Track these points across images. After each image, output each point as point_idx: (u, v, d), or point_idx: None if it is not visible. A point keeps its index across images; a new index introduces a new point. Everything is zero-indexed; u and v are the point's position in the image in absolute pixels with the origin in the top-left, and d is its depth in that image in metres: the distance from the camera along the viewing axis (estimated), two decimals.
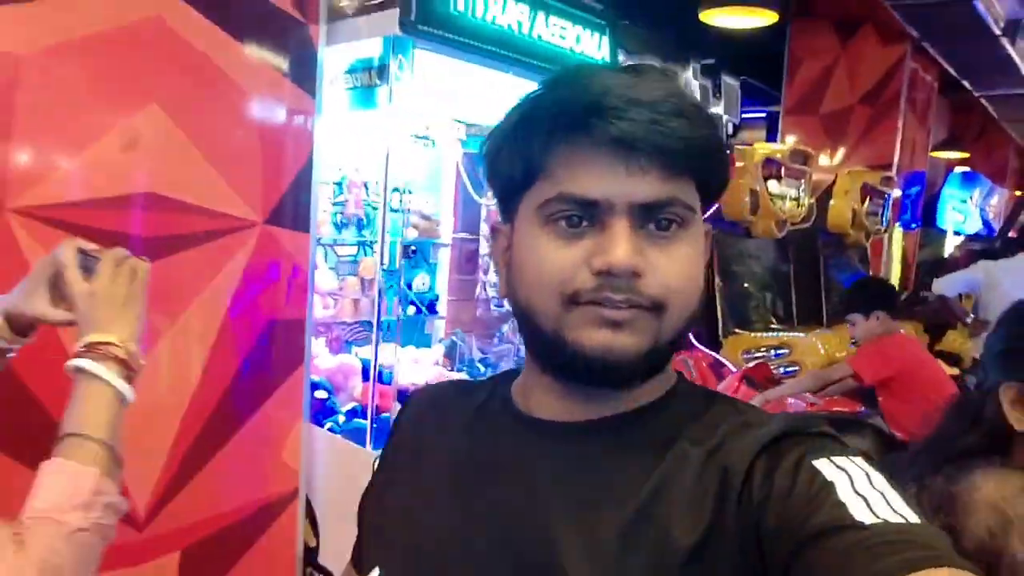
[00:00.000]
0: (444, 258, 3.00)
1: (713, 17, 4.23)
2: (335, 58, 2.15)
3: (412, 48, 2.01)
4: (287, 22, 2.00)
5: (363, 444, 2.12)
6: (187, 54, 1.80)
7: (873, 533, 0.49)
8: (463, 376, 2.72)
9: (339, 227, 2.65)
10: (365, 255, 2.70)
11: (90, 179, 1.68)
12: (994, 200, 8.39)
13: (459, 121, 2.56)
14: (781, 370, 3.82)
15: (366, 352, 2.60)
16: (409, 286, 2.79)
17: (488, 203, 2.67)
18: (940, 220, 7.39)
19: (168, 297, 1.80)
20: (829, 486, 0.53)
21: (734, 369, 3.62)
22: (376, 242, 2.56)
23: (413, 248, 2.69)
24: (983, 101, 6.90)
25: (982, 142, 8.19)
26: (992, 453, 1.02)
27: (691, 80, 3.40)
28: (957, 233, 7.72)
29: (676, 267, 0.60)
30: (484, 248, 2.96)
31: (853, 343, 3.47)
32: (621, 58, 2.76)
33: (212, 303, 1.90)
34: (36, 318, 1.01)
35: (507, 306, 0.68)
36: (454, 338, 2.91)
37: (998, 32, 4.85)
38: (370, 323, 2.58)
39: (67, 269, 0.95)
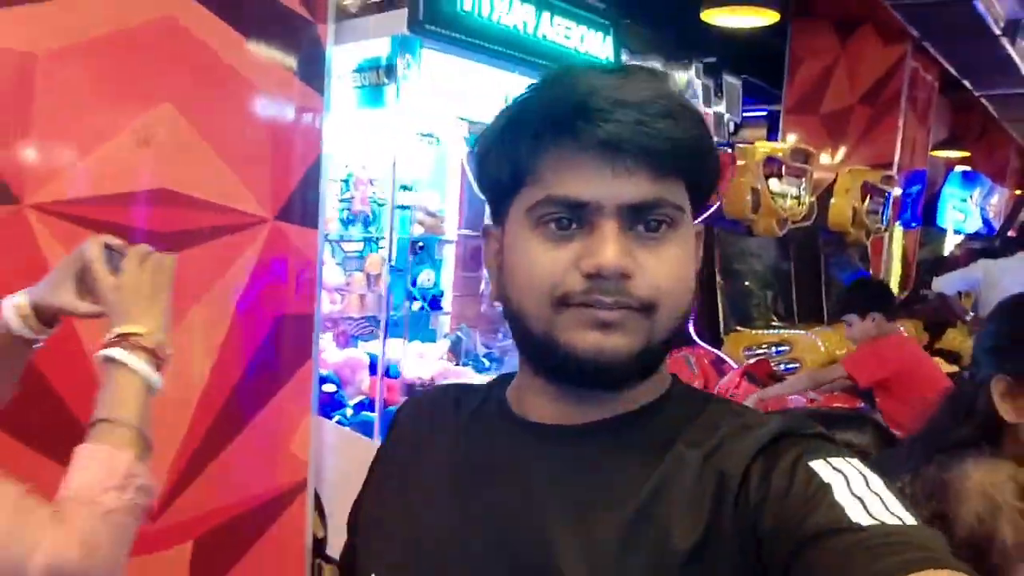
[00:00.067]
0: (449, 254, 3.04)
1: (714, 17, 4.26)
2: (342, 57, 2.18)
3: (420, 47, 2.05)
4: (296, 21, 2.03)
5: (371, 436, 2.16)
6: (199, 53, 1.83)
7: (870, 535, 0.50)
8: (468, 370, 2.75)
9: (346, 223, 2.69)
10: (371, 251, 2.74)
11: (105, 176, 1.71)
12: (994, 199, 8.42)
13: (464, 119, 2.59)
14: (782, 367, 3.85)
15: (372, 347, 2.63)
16: (414, 282, 2.83)
17: None
18: (940, 219, 7.42)
19: (180, 291, 1.80)
20: (826, 487, 0.53)
21: (735, 366, 3.65)
22: (382, 238, 2.61)
23: (421, 244, 2.72)
24: (983, 101, 6.92)
25: (983, 141, 8.21)
26: (983, 443, 1.06)
27: (693, 79, 3.43)
28: (957, 232, 7.75)
29: (666, 268, 0.60)
30: None
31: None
32: (624, 57, 2.80)
33: (223, 298, 1.94)
34: (62, 310, 1.04)
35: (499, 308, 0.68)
36: (459, 333, 2.95)
37: (998, 32, 4.88)
38: (376, 318, 2.62)
39: (94, 264, 0.99)
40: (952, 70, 5.99)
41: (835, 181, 4.92)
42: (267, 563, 2.09)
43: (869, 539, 0.49)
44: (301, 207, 2.07)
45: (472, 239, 3.03)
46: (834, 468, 0.55)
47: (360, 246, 2.76)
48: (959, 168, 7.78)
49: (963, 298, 5.39)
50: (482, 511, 0.65)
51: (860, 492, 0.53)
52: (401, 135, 2.19)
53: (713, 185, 0.66)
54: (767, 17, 4.27)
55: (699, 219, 0.67)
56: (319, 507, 2.24)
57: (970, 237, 7.80)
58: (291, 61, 2.02)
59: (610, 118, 0.57)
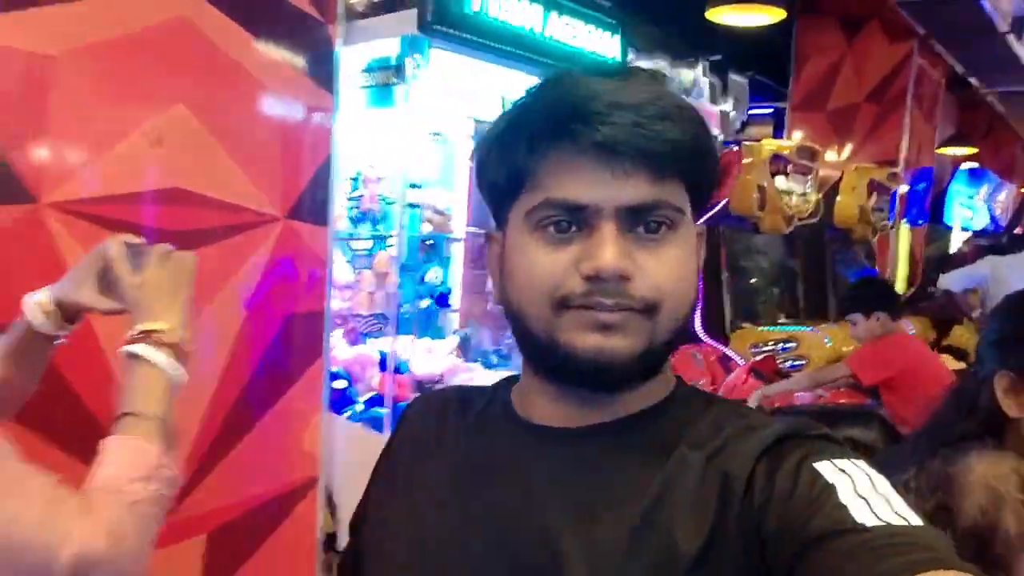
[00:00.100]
0: (457, 252, 3.06)
1: (720, 15, 4.27)
2: (351, 57, 2.21)
3: (428, 47, 2.07)
4: (307, 22, 2.05)
5: (381, 431, 2.18)
6: (211, 54, 1.86)
7: (875, 535, 0.50)
8: (477, 367, 2.78)
9: (355, 221, 2.72)
10: (380, 249, 2.76)
11: (119, 175, 1.74)
12: (1002, 196, 8.40)
13: (472, 118, 2.62)
14: (788, 364, 3.87)
15: (381, 344, 2.66)
16: (423, 279, 2.85)
17: None
18: (947, 216, 7.41)
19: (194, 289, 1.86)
20: (830, 488, 0.53)
21: (742, 362, 3.67)
22: (390, 236, 2.63)
23: (430, 242, 2.75)
24: (990, 98, 6.92)
25: (990, 138, 8.20)
26: (987, 437, 1.08)
27: (700, 78, 3.44)
28: (964, 229, 7.74)
29: (666, 268, 0.60)
30: None
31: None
32: (631, 56, 2.82)
33: (235, 295, 1.96)
34: (84, 306, 1.07)
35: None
36: (467, 330, 2.97)
37: (1005, 29, 4.87)
38: (384, 315, 2.65)
39: (117, 262, 1.01)
40: (959, 67, 5.99)
41: (841, 178, 4.93)
42: (279, 557, 2.12)
43: (874, 540, 0.49)
44: (312, 206, 2.09)
45: (480, 237, 3.05)
46: (838, 469, 0.55)
47: (369, 244, 2.78)
48: (966, 165, 7.77)
49: (971, 295, 5.39)
50: (484, 512, 0.65)
51: (865, 493, 0.53)
52: (410, 134, 2.21)
53: (713, 186, 0.66)
54: (773, 15, 4.28)
55: (701, 219, 0.67)
56: (330, 502, 2.27)
57: (977, 234, 7.79)
58: (301, 61, 2.04)
59: (607, 121, 0.57)
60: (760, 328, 4.15)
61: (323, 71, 2.08)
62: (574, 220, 0.60)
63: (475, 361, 2.89)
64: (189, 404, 1.90)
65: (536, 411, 0.67)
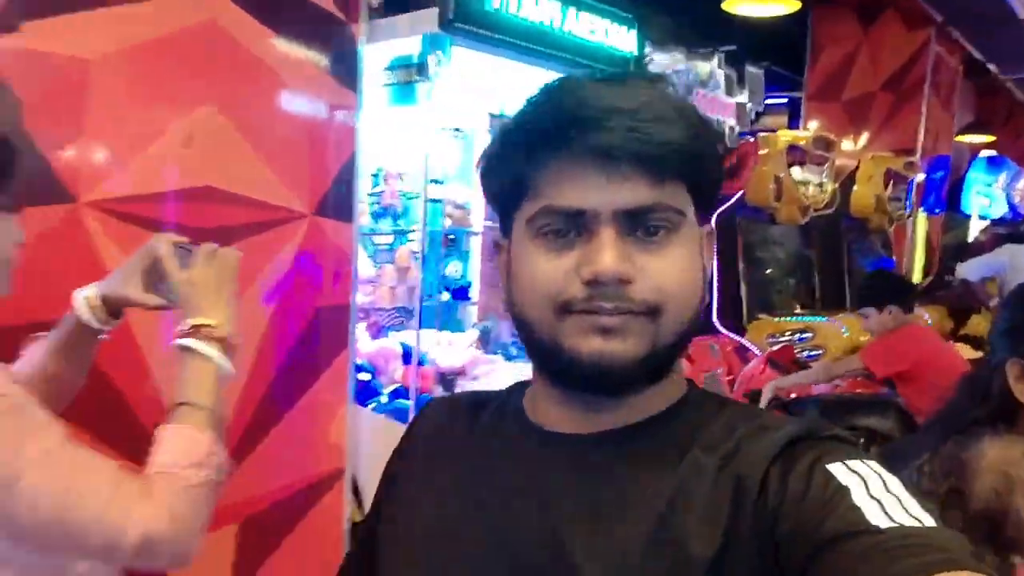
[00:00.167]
0: (476, 246, 3.10)
1: (736, 5, 4.28)
2: (374, 55, 2.25)
3: (450, 45, 2.10)
4: (330, 22, 2.09)
5: (405, 422, 2.23)
6: (239, 55, 1.90)
7: (889, 537, 0.50)
8: (499, 358, 2.82)
9: (376, 216, 2.76)
10: (401, 244, 2.81)
11: (153, 174, 1.79)
12: (1020, 184, 8.31)
13: (491, 115, 2.65)
14: (805, 354, 3.88)
15: (403, 336, 2.71)
16: (443, 274, 2.89)
17: None
18: (965, 205, 7.36)
19: None
20: (844, 490, 0.53)
21: (759, 353, 3.69)
22: (411, 231, 2.68)
23: (452, 236, 2.79)
24: (1009, 85, 6.86)
25: (1009, 126, 8.12)
26: (999, 423, 1.11)
27: (716, 70, 3.46)
28: (982, 218, 7.68)
29: (668, 271, 0.60)
30: None
31: None
32: (647, 50, 2.84)
33: (263, 291, 2.01)
34: (130, 302, 1.12)
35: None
36: (487, 323, 3.01)
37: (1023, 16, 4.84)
38: (405, 309, 2.70)
39: (166, 260, 1.06)
40: (977, 54, 5.94)
41: (858, 168, 4.92)
42: (308, 546, 2.18)
43: (887, 541, 0.49)
44: (336, 202, 2.13)
45: (498, 230, 3.08)
46: (851, 470, 0.55)
47: (390, 239, 2.83)
48: (984, 153, 7.71)
49: (988, 284, 5.37)
50: (497, 518, 0.65)
51: (878, 494, 0.53)
52: (431, 131, 2.25)
53: (718, 186, 0.66)
54: (789, 5, 4.28)
55: (715, 213, 0.69)
56: (356, 492, 2.32)
57: (995, 222, 7.73)
58: (325, 60, 2.08)
59: (602, 126, 0.58)
60: (777, 318, 4.17)
61: (347, 70, 2.12)
62: (574, 226, 0.60)
63: (495, 353, 2.93)
64: None
65: (546, 417, 0.67)
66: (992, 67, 6.31)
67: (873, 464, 0.56)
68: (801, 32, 5.64)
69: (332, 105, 2.11)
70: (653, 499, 0.60)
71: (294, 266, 2.05)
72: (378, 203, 2.75)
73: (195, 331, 1.00)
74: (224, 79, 1.88)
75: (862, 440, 2.67)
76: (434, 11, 2.03)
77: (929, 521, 0.52)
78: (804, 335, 4.06)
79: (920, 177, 5.51)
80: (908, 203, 5.24)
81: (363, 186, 2.60)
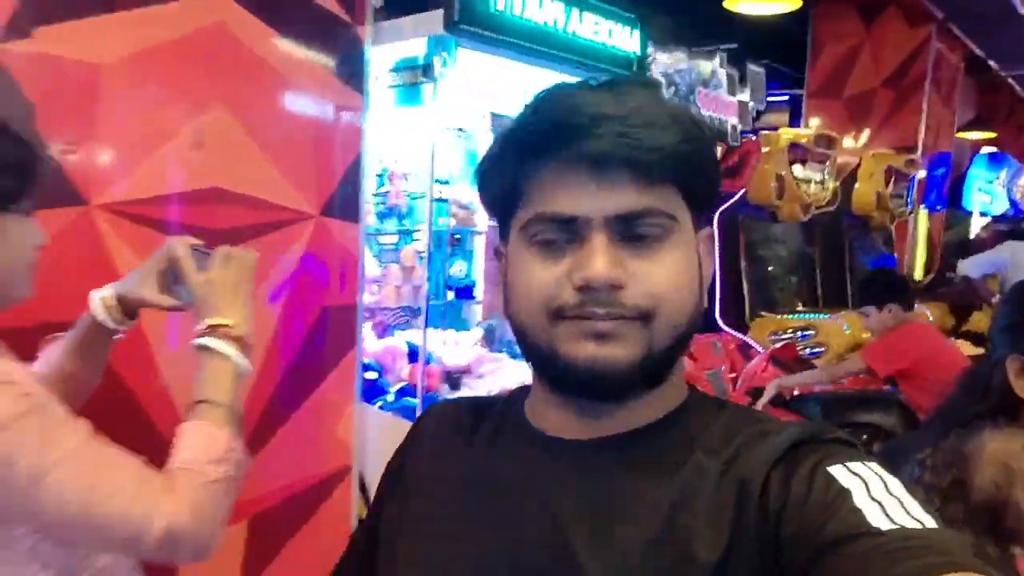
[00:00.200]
0: (480, 246, 3.12)
1: (737, 4, 4.30)
2: (380, 57, 2.27)
3: (455, 47, 2.12)
4: (337, 24, 2.11)
5: (412, 420, 2.25)
6: (247, 57, 1.92)
7: (890, 539, 0.50)
8: (504, 356, 2.84)
9: (381, 217, 2.78)
10: (406, 244, 2.83)
11: (163, 177, 1.81)
12: (1021, 181, 8.33)
13: (495, 115, 2.67)
14: (807, 351, 3.90)
15: (408, 335, 2.73)
16: (448, 273, 2.91)
17: None
18: (966, 201, 7.37)
19: None
20: (845, 492, 0.53)
21: (761, 350, 3.71)
22: (416, 231, 2.70)
23: (457, 236, 2.81)
24: (1011, 81, 6.87)
25: (1010, 122, 8.13)
26: (1000, 416, 1.13)
27: (718, 69, 3.47)
28: (983, 214, 7.69)
29: (661, 275, 0.61)
30: None
31: None
32: (650, 49, 2.86)
33: (271, 291, 2.03)
34: (145, 302, 1.14)
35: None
36: (491, 322, 3.04)
37: None
38: (411, 308, 2.72)
39: (184, 261, 1.09)
40: (978, 51, 5.95)
41: (859, 166, 4.94)
42: (317, 542, 2.20)
43: (888, 543, 0.49)
44: (343, 203, 2.15)
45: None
46: (853, 472, 0.55)
47: (395, 239, 2.85)
48: (986, 149, 7.72)
49: (989, 281, 5.39)
50: (499, 524, 0.65)
51: (879, 496, 0.53)
52: (436, 131, 2.27)
53: (714, 189, 0.66)
54: (789, 3, 4.30)
55: (707, 221, 0.68)
56: (363, 489, 2.34)
57: (996, 219, 7.74)
58: (332, 62, 2.10)
59: (591, 133, 0.58)
60: (779, 316, 4.18)
61: (353, 72, 2.14)
62: (565, 232, 0.61)
63: (500, 351, 2.95)
64: None
65: (547, 422, 0.68)
66: (993, 64, 6.32)
67: (874, 466, 0.57)
68: (802, 30, 5.65)
69: (339, 106, 2.13)
70: (655, 503, 0.60)
71: (301, 266, 2.07)
72: (383, 203, 2.77)
73: (213, 331, 1.03)
74: (232, 81, 1.90)
75: (865, 436, 2.69)
76: (439, 13, 2.05)
77: (930, 523, 0.52)
78: (806, 332, 4.08)
79: (921, 174, 5.52)
80: (909, 200, 5.26)
81: (368, 186, 2.63)
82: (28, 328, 1.28)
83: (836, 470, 0.55)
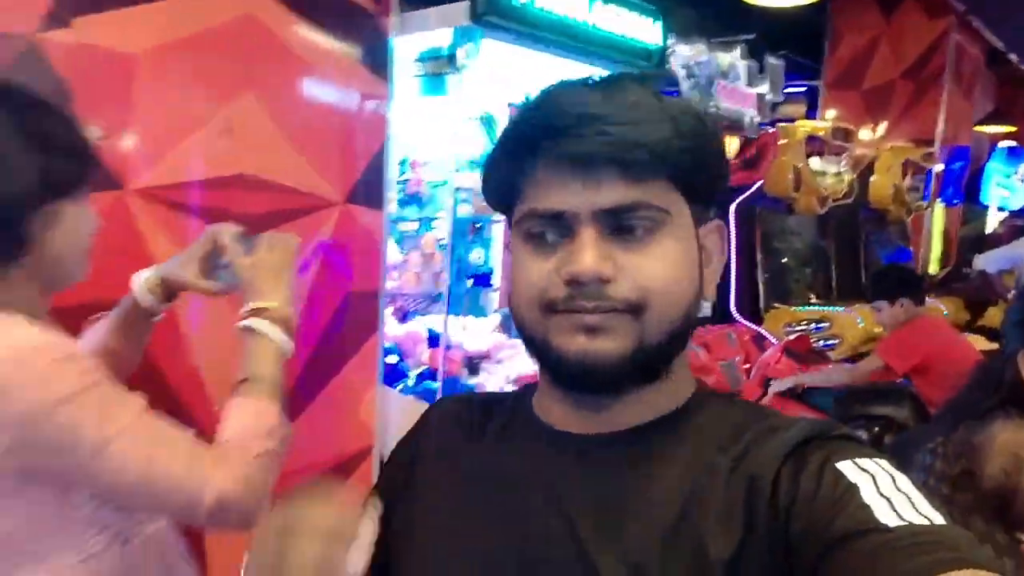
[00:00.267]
0: (498, 233, 3.16)
1: None
2: (405, 47, 2.30)
3: (480, 38, 2.15)
4: (363, 14, 2.15)
5: (432, 403, 2.30)
6: (275, 47, 1.96)
7: (898, 535, 0.50)
8: (519, 343, 2.88)
9: (402, 204, 2.82)
10: (427, 231, 2.87)
11: (194, 163, 1.86)
12: None
13: (513, 104, 2.70)
14: (821, 343, 3.92)
15: (428, 321, 2.77)
16: (467, 260, 2.95)
17: None
18: (984, 196, 7.33)
19: None
20: (853, 488, 0.54)
21: (775, 342, 3.74)
22: (437, 218, 2.74)
23: (478, 224, 2.85)
24: None
25: None
26: (1010, 408, 1.16)
27: (737, 61, 3.48)
28: (1001, 209, 7.65)
29: (651, 268, 0.61)
30: None
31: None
32: (670, 41, 2.87)
33: (296, 276, 2.08)
34: (187, 285, 1.19)
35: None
36: (507, 309, 3.07)
37: None
38: (430, 294, 2.76)
39: (230, 246, 1.13)
40: (998, 44, 5.91)
41: (876, 158, 4.93)
42: None
43: (897, 540, 0.50)
44: (368, 190, 2.20)
45: None
46: (861, 468, 0.56)
47: (416, 225, 2.89)
48: (1004, 143, 7.66)
49: (1005, 276, 5.37)
50: (508, 518, 0.66)
51: (888, 492, 0.54)
52: (459, 120, 2.31)
53: (716, 181, 0.67)
54: None
55: (717, 213, 0.69)
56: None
57: (1014, 214, 7.69)
58: (358, 52, 2.14)
59: (575, 133, 0.60)
60: (793, 308, 4.20)
61: (378, 61, 2.18)
62: (556, 227, 0.62)
63: (517, 337, 2.99)
64: None
65: (552, 416, 0.69)
66: (1013, 57, 6.27)
67: (883, 462, 0.57)
68: (819, 21, 5.63)
69: (364, 95, 2.17)
70: (664, 499, 0.60)
71: (327, 252, 2.12)
72: (404, 190, 2.80)
73: (257, 313, 1.07)
74: (261, 70, 1.95)
75: (877, 429, 2.71)
76: (464, 4, 2.08)
77: (939, 519, 0.52)
78: (820, 324, 4.10)
79: (939, 167, 5.51)
80: (926, 194, 5.25)
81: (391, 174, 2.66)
82: (64, 308, 1.33)
83: (844, 466, 0.56)
